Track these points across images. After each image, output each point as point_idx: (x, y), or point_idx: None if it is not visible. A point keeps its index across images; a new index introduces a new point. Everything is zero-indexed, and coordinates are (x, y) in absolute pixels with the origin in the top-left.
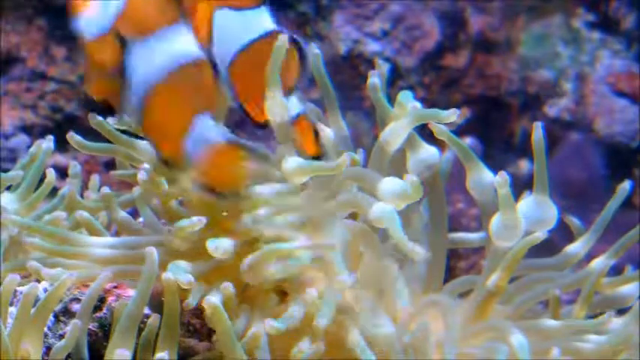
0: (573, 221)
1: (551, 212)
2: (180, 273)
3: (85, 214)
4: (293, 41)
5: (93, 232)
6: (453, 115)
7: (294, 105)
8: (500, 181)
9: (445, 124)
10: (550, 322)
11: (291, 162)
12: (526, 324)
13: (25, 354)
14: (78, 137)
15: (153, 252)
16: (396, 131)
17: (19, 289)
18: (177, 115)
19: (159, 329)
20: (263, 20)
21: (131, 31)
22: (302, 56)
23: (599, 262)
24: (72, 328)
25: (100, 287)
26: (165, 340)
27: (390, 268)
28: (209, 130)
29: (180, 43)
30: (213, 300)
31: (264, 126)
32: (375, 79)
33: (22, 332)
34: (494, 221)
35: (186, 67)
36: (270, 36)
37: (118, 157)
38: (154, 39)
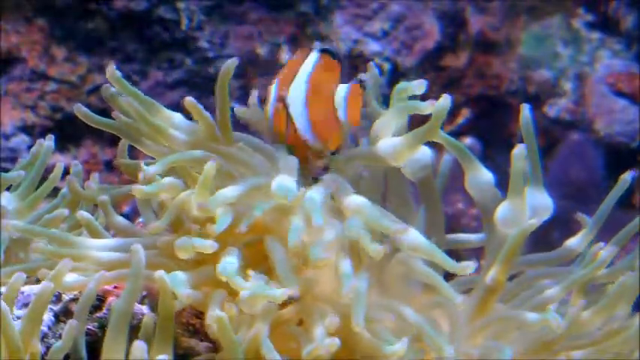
0: (583, 218)
1: (546, 201)
2: (179, 285)
3: (86, 214)
4: (332, 54)
5: (93, 232)
6: (422, 86)
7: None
8: (518, 153)
9: (443, 124)
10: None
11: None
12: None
13: (34, 351)
14: (85, 109)
15: (138, 250)
16: (385, 123)
17: (21, 289)
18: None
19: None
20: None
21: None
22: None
23: (603, 254)
24: (68, 328)
25: (95, 287)
26: (161, 341)
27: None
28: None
29: None
30: (218, 313)
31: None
32: (370, 80)
33: (33, 331)
34: (501, 207)
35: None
36: (320, 59)
37: (122, 135)
38: None
